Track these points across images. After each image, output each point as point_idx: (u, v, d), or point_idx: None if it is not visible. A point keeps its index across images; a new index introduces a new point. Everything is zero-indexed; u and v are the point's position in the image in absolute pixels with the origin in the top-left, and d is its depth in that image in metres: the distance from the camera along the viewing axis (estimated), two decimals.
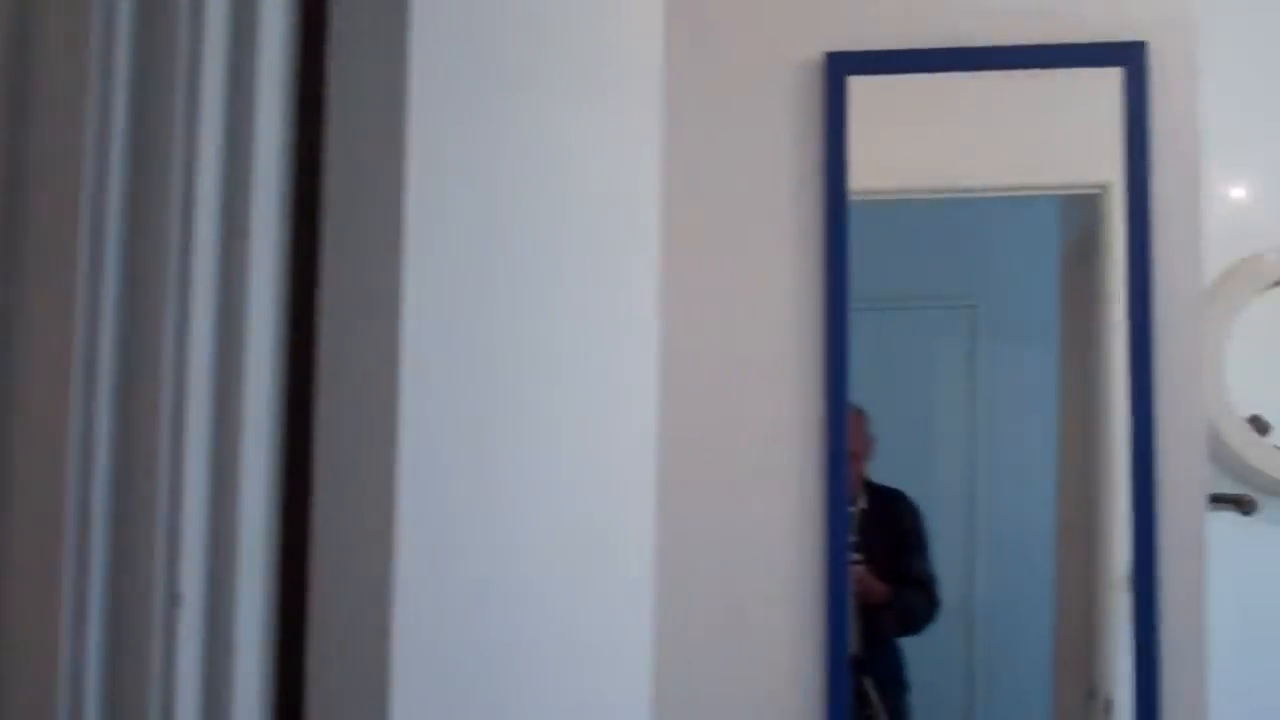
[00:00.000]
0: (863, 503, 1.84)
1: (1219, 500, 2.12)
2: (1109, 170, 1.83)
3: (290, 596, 1.14)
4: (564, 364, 1.56)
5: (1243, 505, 2.21)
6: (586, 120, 1.65)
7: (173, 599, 1.04)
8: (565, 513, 1.55)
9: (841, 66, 1.85)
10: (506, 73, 1.44)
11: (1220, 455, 2.41)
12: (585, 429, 1.62)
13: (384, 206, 1.16)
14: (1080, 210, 1.92)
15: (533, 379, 1.48)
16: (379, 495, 1.15)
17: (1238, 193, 2.58)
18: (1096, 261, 1.87)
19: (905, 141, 1.90)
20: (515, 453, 1.44)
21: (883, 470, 1.94)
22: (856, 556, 1.84)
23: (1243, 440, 2.44)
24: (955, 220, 2.02)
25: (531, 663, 1.47)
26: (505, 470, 1.42)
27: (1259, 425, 2.46)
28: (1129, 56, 1.83)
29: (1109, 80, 1.83)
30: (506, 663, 1.41)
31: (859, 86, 1.85)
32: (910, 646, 1.98)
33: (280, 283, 1.14)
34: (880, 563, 1.92)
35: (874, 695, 1.90)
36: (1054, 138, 1.90)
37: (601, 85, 1.70)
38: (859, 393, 1.83)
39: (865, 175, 1.85)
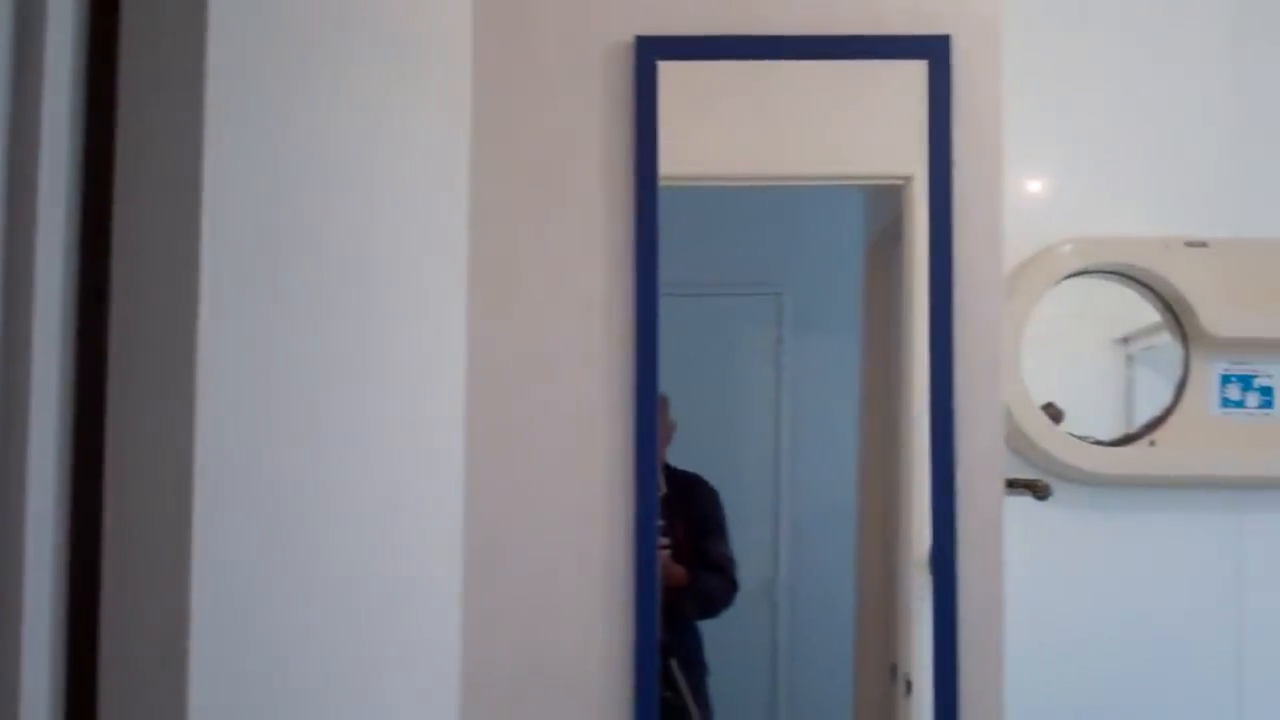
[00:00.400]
0: (663, 487, 1.85)
1: (1015, 485, 2.18)
2: (913, 162, 1.87)
3: (82, 597, 1.10)
4: (367, 353, 1.53)
5: (1037, 490, 2.27)
6: (391, 103, 1.62)
7: None
8: (371, 501, 1.53)
9: (652, 51, 1.85)
10: (308, 55, 1.41)
11: (1016, 442, 2.49)
12: (391, 417, 1.59)
13: (180, 198, 1.12)
14: (885, 201, 1.94)
15: (335, 369, 1.45)
16: (175, 492, 1.12)
17: (1034, 186, 2.66)
18: (900, 251, 1.90)
19: (714, 128, 1.90)
20: (318, 444, 1.41)
21: (686, 455, 1.94)
22: (664, 541, 1.85)
23: (1038, 427, 2.51)
24: (762, 208, 2.04)
25: (337, 653, 1.44)
26: (306, 462, 1.39)
27: (1053, 413, 2.54)
28: (933, 50, 1.86)
29: (914, 73, 1.87)
30: (308, 656, 1.39)
31: (669, 72, 1.85)
32: (715, 629, 2.00)
33: (69, 273, 1.09)
34: (679, 546, 1.93)
35: (680, 678, 1.91)
36: (860, 128, 1.92)
37: (406, 67, 1.67)
38: (663, 378, 1.83)
39: (674, 161, 1.85)
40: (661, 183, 1.84)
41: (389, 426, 1.59)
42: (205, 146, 1.13)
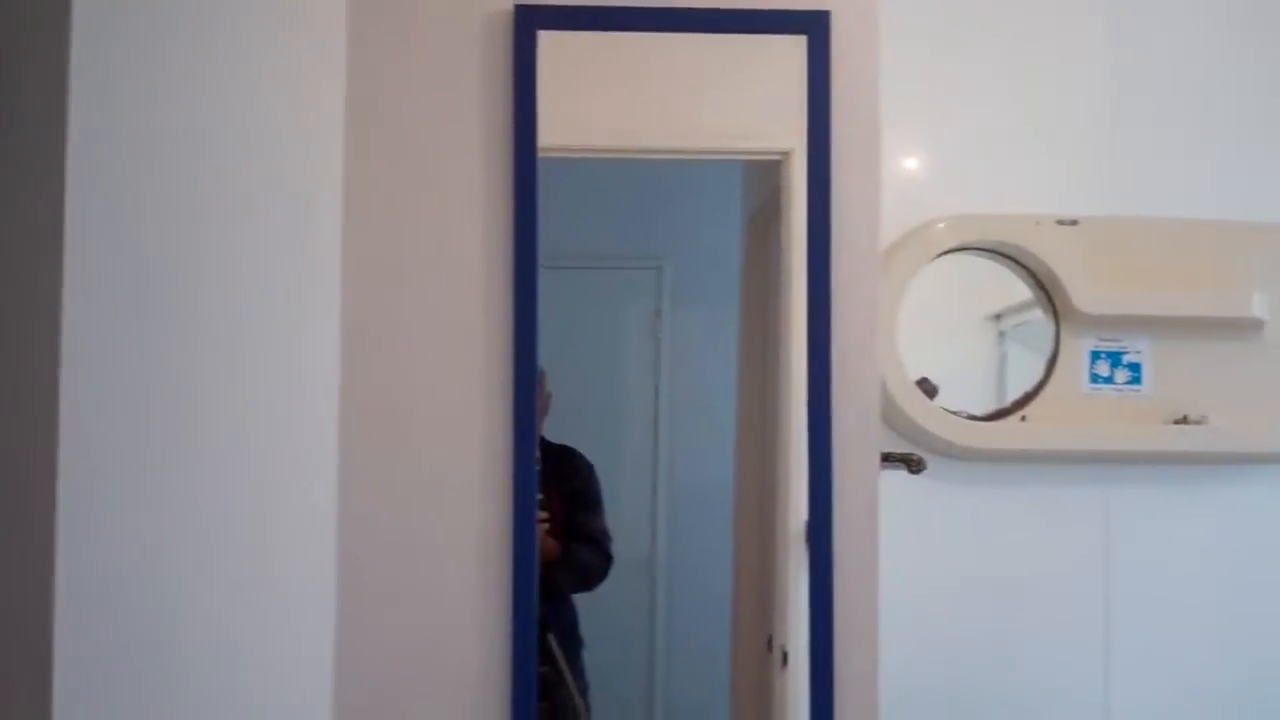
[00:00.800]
0: (538, 460, 1.84)
1: (890, 459, 2.20)
2: (792, 137, 1.87)
3: None
4: (236, 332, 1.51)
5: (912, 464, 2.30)
6: (263, 69, 1.59)
7: None
8: (241, 483, 1.51)
9: (531, 20, 1.83)
10: (178, 21, 1.39)
11: (891, 416, 2.52)
12: (262, 397, 1.57)
13: (46, 175, 1.10)
14: (764, 175, 1.95)
15: (203, 353, 1.43)
16: (41, 488, 1.10)
17: (910, 164, 2.69)
18: (778, 226, 1.91)
19: (594, 99, 1.89)
20: (186, 435, 1.39)
21: (563, 428, 1.94)
22: (542, 515, 1.84)
23: (912, 402, 2.54)
24: (643, 181, 2.03)
25: (204, 636, 1.42)
26: (172, 442, 1.37)
27: (927, 388, 2.57)
28: (812, 25, 1.87)
29: (794, 48, 1.87)
30: (175, 645, 1.37)
31: (549, 41, 1.84)
32: (594, 602, 2.00)
33: None
34: (554, 520, 1.92)
35: (557, 652, 1.91)
36: (740, 102, 1.92)
37: (280, 31, 1.64)
38: (541, 350, 1.81)
39: (554, 132, 1.83)
40: (541, 154, 1.82)
41: (258, 400, 1.56)
42: (69, 130, 1.10)
